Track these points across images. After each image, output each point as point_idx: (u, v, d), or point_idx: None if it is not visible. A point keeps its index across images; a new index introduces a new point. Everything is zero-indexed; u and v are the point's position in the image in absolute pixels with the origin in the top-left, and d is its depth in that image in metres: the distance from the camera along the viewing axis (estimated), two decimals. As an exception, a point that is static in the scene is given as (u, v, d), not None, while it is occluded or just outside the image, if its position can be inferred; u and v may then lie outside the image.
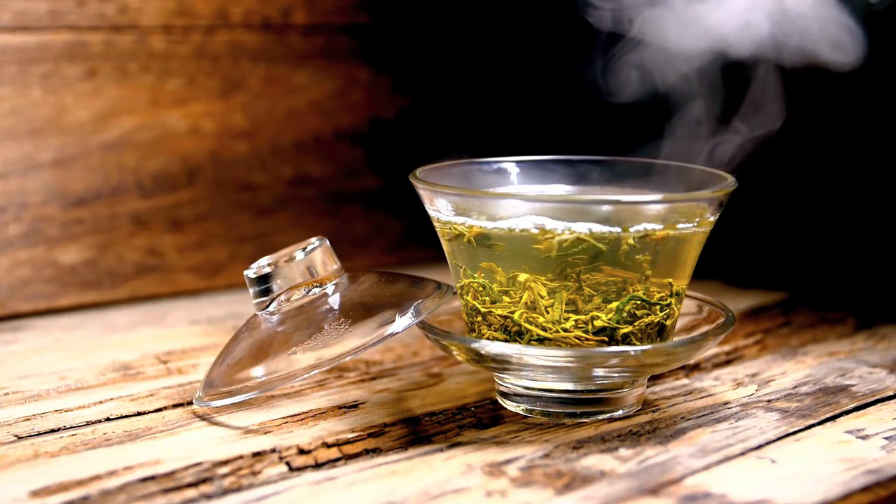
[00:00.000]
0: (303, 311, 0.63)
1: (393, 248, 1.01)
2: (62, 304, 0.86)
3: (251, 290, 0.64)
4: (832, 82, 0.73)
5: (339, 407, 0.64)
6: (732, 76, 0.69)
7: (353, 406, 0.64)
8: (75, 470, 0.55)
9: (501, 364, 0.59)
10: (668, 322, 0.61)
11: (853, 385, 0.67)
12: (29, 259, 0.84)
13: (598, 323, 0.58)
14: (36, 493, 0.53)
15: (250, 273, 0.64)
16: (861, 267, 0.87)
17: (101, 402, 0.65)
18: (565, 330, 0.58)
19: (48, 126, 0.84)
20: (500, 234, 0.59)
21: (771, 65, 0.70)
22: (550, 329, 0.59)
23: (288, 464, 0.56)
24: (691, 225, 0.59)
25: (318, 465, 0.56)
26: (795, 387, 0.67)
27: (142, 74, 0.87)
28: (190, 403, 0.65)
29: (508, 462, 0.56)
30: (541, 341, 0.59)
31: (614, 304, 0.59)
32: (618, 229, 0.57)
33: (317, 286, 0.64)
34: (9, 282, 0.83)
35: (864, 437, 0.59)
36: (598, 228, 0.57)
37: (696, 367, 0.71)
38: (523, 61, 0.96)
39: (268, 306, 0.64)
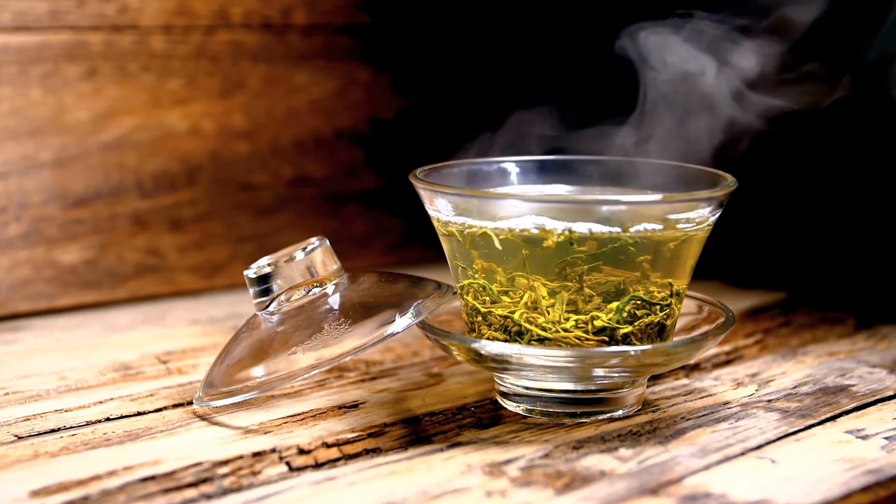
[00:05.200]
0: (303, 311, 0.63)
1: (393, 248, 1.01)
2: (62, 304, 0.86)
3: (251, 290, 0.64)
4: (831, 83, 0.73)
5: (339, 407, 0.64)
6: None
7: (353, 406, 0.64)
8: (75, 470, 0.55)
9: (501, 364, 0.59)
10: (668, 322, 0.61)
11: (853, 385, 0.67)
12: (29, 259, 0.84)
13: (598, 323, 0.59)
14: (36, 493, 0.53)
15: (250, 273, 0.64)
16: (861, 267, 0.87)
17: (101, 402, 0.65)
18: (565, 330, 0.59)
19: (48, 126, 0.84)
20: (500, 234, 0.59)
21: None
22: (550, 329, 0.59)
23: (288, 464, 0.56)
24: (691, 225, 0.59)
25: (318, 465, 0.56)
26: (795, 387, 0.67)
27: (142, 74, 0.87)
28: (190, 403, 0.65)
29: (508, 462, 0.56)
30: (541, 341, 0.59)
31: (614, 305, 0.59)
32: (618, 229, 0.57)
33: (317, 286, 0.64)
34: (9, 282, 0.83)
35: (864, 437, 0.59)
36: (598, 228, 0.57)
37: (696, 367, 0.71)
38: (523, 60, 0.96)
39: (268, 306, 0.64)
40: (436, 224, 0.63)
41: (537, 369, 0.59)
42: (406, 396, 0.66)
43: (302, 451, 0.57)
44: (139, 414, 0.63)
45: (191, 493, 0.53)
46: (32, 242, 0.84)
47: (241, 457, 0.56)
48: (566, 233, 0.57)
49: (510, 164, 0.68)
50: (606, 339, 0.59)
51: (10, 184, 0.83)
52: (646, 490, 0.53)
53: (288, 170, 0.95)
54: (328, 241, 0.65)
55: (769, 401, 0.65)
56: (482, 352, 0.59)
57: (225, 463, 0.56)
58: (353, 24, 0.96)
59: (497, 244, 0.59)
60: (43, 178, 0.84)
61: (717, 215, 0.61)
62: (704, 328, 0.65)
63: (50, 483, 0.54)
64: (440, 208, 0.61)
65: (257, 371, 0.61)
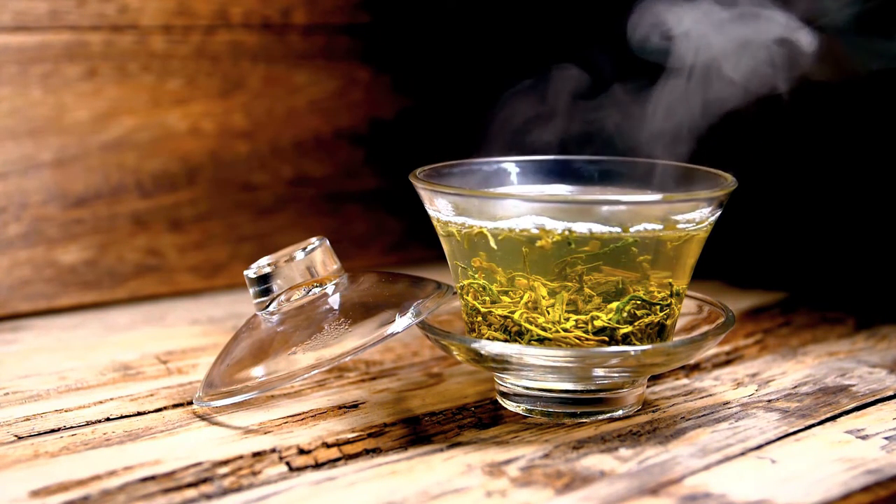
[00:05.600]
0: (303, 311, 0.63)
1: (393, 248, 1.01)
2: (62, 304, 0.86)
3: (251, 290, 0.64)
4: (831, 83, 0.73)
5: (339, 407, 0.64)
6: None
7: (353, 406, 0.64)
8: (75, 470, 0.55)
9: (501, 364, 0.59)
10: (668, 322, 0.61)
11: (853, 385, 0.67)
12: (29, 259, 0.84)
13: (598, 323, 0.59)
14: (36, 493, 0.53)
15: (250, 273, 0.64)
16: (861, 267, 0.87)
17: (101, 402, 0.65)
18: (565, 330, 0.59)
19: (48, 126, 0.84)
20: (498, 233, 0.59)
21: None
22: (550, 329, 0.59)
23: (288, 464, 0.56)
24: (692, 225, 0.59)
25: (318, 465, 0.56)
26: (795, 387, 0.67)
27: (142, 74, 0.88)
28: (190, 403, 0.65)
29: (508, 462, 0.56)
30: (541, 341, 0.59)
31: (614, 305, 0.59)
32: (618, 229, 0.57)
33: (317, 286, 0.64)
34: (9, 282, 0.83)
35: (864, 437, 0.59)
36: (598, 228, 0.57)
37: (696, 367, 0.71)
38: (523, 60, 0.96)
39: (268, 306, 0.64)
40: (436, 224, 0.63)
41: (537, 369, 0.59)
42: (406, 396, 0.66)
43: (302, 451, 0.57)
44: (139, 414, 0.63)
45: (191, 493, 0.53)
46: (32, 242, 0.84)
47: (241, 457, 0.56)
48: (565, 233, 0.57)
49: (510, 164, 0.68)
50: (606, 339, 0.59)
51: (10, 184, 0.83)
52: (646, 490, 0.53)
53: (288, 170, 0.95)
54: (328, 241, 0.65)
55: (769, 401, 0.65)
56: (482, 352, 0.59)
57: (225, 463, 0.56)
58: (353, 24, 0.96)
59: (493, 244, 0.59)
60: (43, 178, 0.84)
61: (718, 215, 0.61)
62: (704, 328, 0.65)
63: (50, 483, 0.54)
64: (440, 208, 0.61)
65: (257, 371, 0.61)
